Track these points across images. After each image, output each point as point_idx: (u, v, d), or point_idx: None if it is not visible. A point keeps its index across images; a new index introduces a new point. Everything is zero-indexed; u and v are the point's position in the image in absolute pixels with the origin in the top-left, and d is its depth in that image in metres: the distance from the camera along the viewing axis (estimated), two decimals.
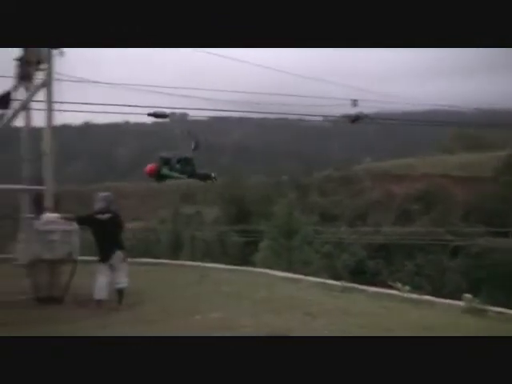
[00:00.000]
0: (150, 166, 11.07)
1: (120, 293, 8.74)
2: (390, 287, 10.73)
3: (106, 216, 8.91)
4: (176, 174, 10.85)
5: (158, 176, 10.96)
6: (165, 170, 10.97)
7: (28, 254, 8.87)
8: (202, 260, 25.01)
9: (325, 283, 11.66)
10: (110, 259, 8.73)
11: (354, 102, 15.13)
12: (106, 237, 8.85)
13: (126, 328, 7.19)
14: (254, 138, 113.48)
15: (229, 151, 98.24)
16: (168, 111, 11.33)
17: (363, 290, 10.85)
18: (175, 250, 40.46)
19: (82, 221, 9.18)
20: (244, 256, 40.05)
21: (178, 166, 11.01)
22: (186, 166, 11.12)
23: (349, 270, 37.49)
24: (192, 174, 11.32)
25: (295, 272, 14.92)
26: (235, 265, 15.51)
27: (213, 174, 12.02)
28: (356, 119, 13.98)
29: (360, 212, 51.28)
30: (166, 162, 11.09)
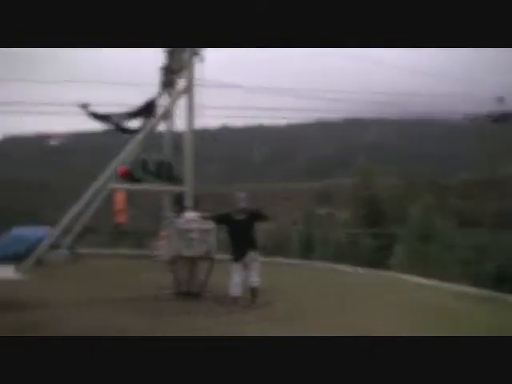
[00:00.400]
0: (121, 168, 11.05)
1: (253, 291, 8.94)
2: None
3: (242, 216, 9.16)
4: (149, 177, 10.82)
5: (131, 178, 10.93)
6: (138, 173, 10.98)
7: (169, 251, 9.40)
8: (333, 262, 24.89)
9: (465, 291, 11.04)
10: (243, 258, 8.94)
11: (500, 99, 14.13)
12: (241, 236, 9.04)
13: (260, 325, 7.37)
14: (389, 139, 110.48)
15: (363, 152, 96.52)
16: None
17: (508, 300, 10.11)
18: (307, 250, 40.64)
19: (219, 220, 9.51)
20: (377, 259, 39.14)
21: (153, 169, 11.00)
22: (163, 170, 11.06)
23: (492, 277, 35.08)
24: (168, 178, 11.18)
25: (432, 278, 14.29)
26: (368, 268, 15.23)
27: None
28: (499, 119, 12.91)
29: (505, 217, 47.76)
30: (144, 164, 11.08)
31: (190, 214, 9.45)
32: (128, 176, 10.86)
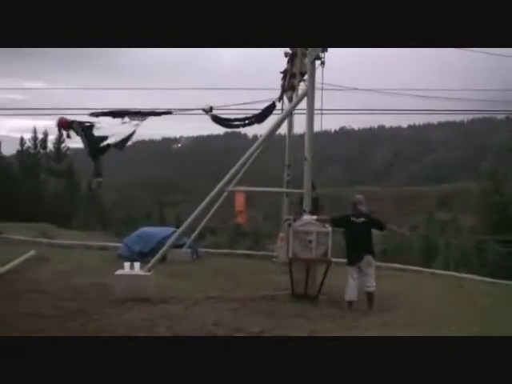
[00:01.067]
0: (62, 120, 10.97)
1: (369, 296, 8.79)
2: None
3: (360, 219, 9.06)
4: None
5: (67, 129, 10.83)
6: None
7: (287, 252, 9.50)
8: (456, 269, 23.69)
9: None
10: (359, 262, 8.82)
11: None
12: (358, 240, 8.95)
13: (377, 331, 7.22)
14: None
15: (492, 154, 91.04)
16: None
17: None
18: (428, 257, 39.04)
19: (338, 222, 9.47)
20: (506, 269, 36.64)
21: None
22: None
23: None
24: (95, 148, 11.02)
25: None
26: (496, 277, 14.31)
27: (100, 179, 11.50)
28: None
29: None
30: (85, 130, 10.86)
31: (308, 217, 9.48)
32: (66, 127, 11.01)
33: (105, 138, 11.10)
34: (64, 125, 11.02)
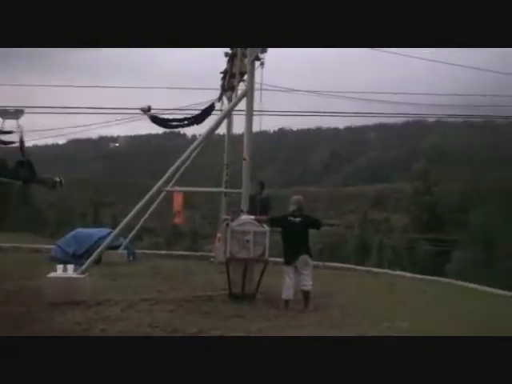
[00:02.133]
0: None
1: (305, 295, 8.92)
2: None
3: (297, 219, 9.17)
4: (5, 179, 10.46)
5: None
6: None
7: (224, 252, 9.50)
8: (389, 267, 24.48)
9: None
10: (295, 261, 8.92)
11: None
12: (294, 239, 9.05)
13: (312, 329, 7.35)
14: (452, 141, 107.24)
15: (424, 155, 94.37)
16: None
17: None
18: (362, 255, 40.13)
19: (275, 222, 9.55)
20: (434, 266, 38.18)
21: (11, 169, 10.53)
22: (22, 170, 10.61)
23: None
24: (30, 179, 10.83)
25: (493, 286, 13.80)
26: (425, 274, 14.88)
27: (58, 179, 11.26)
28: None
29: None
30: (1, 164, 10.56)
31: (245, 217, 9.52)
32: None
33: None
34: None
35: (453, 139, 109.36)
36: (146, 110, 11.62)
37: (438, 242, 40.79)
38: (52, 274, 8.98)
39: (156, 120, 11.74)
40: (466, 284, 12.91)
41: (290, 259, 9.00)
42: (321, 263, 14.76)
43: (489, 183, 54.81)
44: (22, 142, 10.54)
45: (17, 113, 10.24)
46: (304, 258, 8.98)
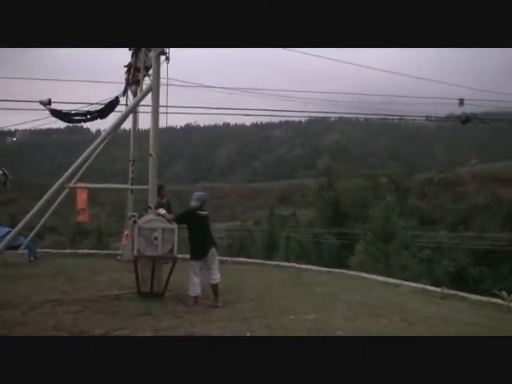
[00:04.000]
0: None
1: (214, 289, 8.92)
2: (494, 296, 10.18)
3: (204, 213, 9.16)
4: None
5: None
6: None
7: (132, 250, 9.32)
8: (296, 261, 25.11)
9: (424, 289, 11.30)
10: (205, 256, 8.91)
11: (461, 102, 14.59)
12: (203, 234, 9.05)
13: (223, 324, 7.41)
14: (353, 139, 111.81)
15: (327, 152, 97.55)
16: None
17: (465, 298, 10.39)
18: (270, 250, 40.86)
19: (182, 218, 9.43)
20: (339, 258, 39.68)
21: None
22: None
23: (449, 276, 36.04)
24: None
25: (392, 276, 14.56)
26: (330, 267, 15.42)
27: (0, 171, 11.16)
28: (467, 120, 13.29)
29: (462, 216, 49.05)
30: None
31: (152, 214, 9.39)
32: None
33: None
34: None
35: (354, 137, 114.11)
36: (46, 103, 11.08)
37: (342, 235, 42.39)
38: None
39: (56, 113, 11.22)
40: (368, 276, 13.50)
41: (199, 254, 8.94)
42: (229, 259, 14.88)
43: (386, 179, 57.76)
44: None
45: None
46: (212, 251, 9.00)
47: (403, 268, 32.72)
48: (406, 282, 12.30)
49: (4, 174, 10.62)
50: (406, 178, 63.10)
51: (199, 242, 9.01)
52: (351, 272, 14.81)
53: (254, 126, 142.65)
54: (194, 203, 9.21)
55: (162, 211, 9.43)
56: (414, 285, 12.06)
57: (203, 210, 9.21)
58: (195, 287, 8.85)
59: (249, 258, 17.39)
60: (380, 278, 12.90)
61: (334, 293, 10.21)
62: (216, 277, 8.93)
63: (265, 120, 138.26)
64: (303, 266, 14.95)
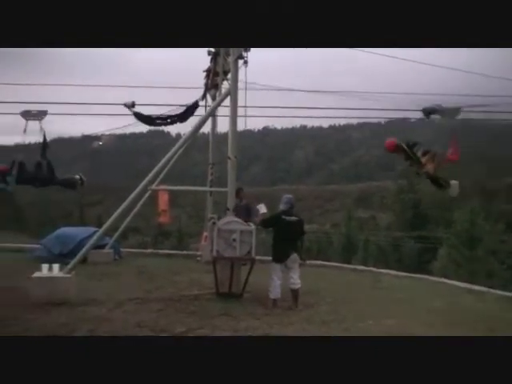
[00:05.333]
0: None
1: (294, 293, 8.93)
2: None
3: (291, 218, 9.10)
4: (12, 183, 10.14)
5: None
6: (8, 177, 10.30)
7: (211, 251, 9.48)
8: (374, 265, 24.62)
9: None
10: (286, 260, 8.89)
11: None
12: (287, 238, 8.98)
13: (300, 326, 7.38)
14: (435, 140, 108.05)
15: None
16: None
17: None
18: (348, 253, 40.33)
19: (268, 223, 9.43)
20: (420, 263, 38.49)
21: (29, 172, 10.34)
22: (41, 172, 10.43)
23: None
24: (49, 181, 10.63)
25: (476, 283, 13.94)
26: (410, 272, 14.99)
27: (77, 176, 11.04)
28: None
29: None
30: (21, 166, 10.37)
31: (232, 216, 9.51)
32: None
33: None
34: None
35: (435, 137, 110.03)
36: (130, 106, 11.50)
37: (423, 239, 41.11)
38: (37, 274, 8.88)
39: (139, 116, 11.64)
40: (450, 282, 13.02)
41: (281, 258, 8.95)
42: (307, 261, 14.79)
43: (473, 181, 55.42)
44: (44, 143, 10.35)
45: (40, 114, 10.04)
46: (294, 256, 8.97)
47: (489, 275, 31.24)
48: (492, 290, 11.74)
49: (81, 178, 11.13)
50: (492, 181, 60.30)
51: (282, 245, 8.98)
52: (431, 277, 14.34)
53: (332, 127, 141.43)
54: (282, 206, 9.22)
55: (262, 209, 9.47)
56: (500, 292, 11.50)
57: (292, 214, 9.16)
58: (275, 290, 8.85)
59: (326, 260, 17.22)
60: (463, 285, 12.41)
61: (414, 298, 9.92)
62: (296, 281, 8.90)
63: (343, 121, 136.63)
64: (381, 270, 14.64)
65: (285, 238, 8.97)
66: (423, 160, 9.92)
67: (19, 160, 10.28)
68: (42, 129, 10.02)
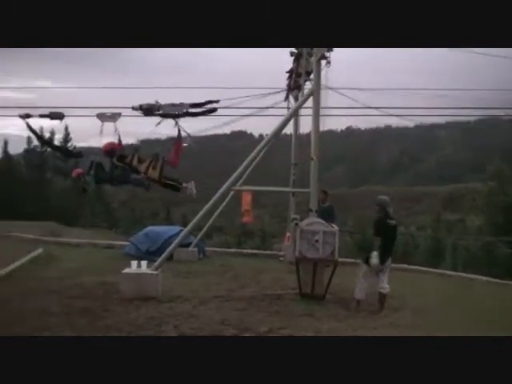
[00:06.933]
0: (76, 171, 10.63)
1: (382, 297, 8.72)
2: None
3: (394, 223, 8.89)
4: (92, 183, 10.39)
5: (82, 183, 10.57)
6: (87, 177, 10.45)
7: (294, 252, 9.48)
8: (463, 270, 23.61)
9: None
10: (382, 264, 8.66)
11: None
12: (386, 243, 8.72)
13: (385, 331, 7.20)
14: None
15: (498, 154, 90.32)
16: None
17: None
18: (435, 257, 38.91)
19: (377, 231, 8.93)
20: None
21: (106, 172, 10.39)
22: (118, 172, 10.47)
23: None
24: (125, 181, 10.67)
25: None
26: (503, 278, 14.24)
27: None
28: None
29: None
30: (98, 166, 10.47)
31: (314, 216, 9.45)
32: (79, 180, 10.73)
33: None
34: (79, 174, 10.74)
35: None
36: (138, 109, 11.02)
37: None
38: (126, 270, 9.26)
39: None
40: None
41: (384, 261, 8.70)
42: (392, 265, 14.42)
43: None
44: (120, 144, 10.64)
45: (114, 116, 10.33)
46: (389, 262, 8.80)
47: None
48: None
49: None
50: None
51: (387, 250, 8.72)
52: None
53: (418, 127, 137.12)
54: (388, 209, 8.92)
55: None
56: None
57: (391, 218, 8.93)
58: (362, 291, 8.73)
59: (411, 264, 16.72)
60: None
61: (505, 306, 9.41)
62: (385, 286, 8.72)
63: (429, 120, 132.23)
64: (471, 276, 14.03)
65: (384, 242, 8.71)
66: (141, 168, 9.98)
67: (97, 161, 10.67)
68: (116, 130, 10.34)
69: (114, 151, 10.43)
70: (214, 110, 10.68)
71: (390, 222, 8.81)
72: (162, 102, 10.37)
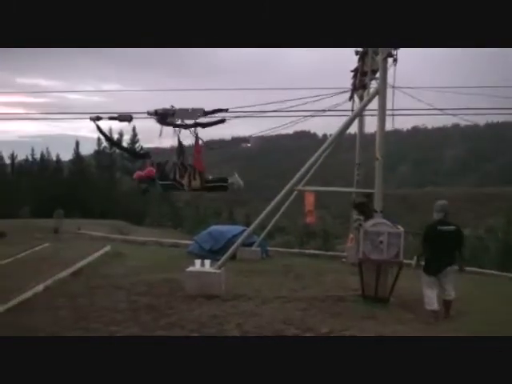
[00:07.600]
0: (148, 170, 10.45)
1: (447, 304, 8.37)
2: None
3: (451, 228, 8.35)
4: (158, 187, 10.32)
5: (148, 185, 10.48)
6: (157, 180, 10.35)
7: (357, 253, 9.37)
8: None
9: None
10: (438, 273, 8.26)
11: None
12: (440, 249, 8.23)
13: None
14: None
15: None
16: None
17: None
18: (506, 261, 37.38)
19: (425, 240, 8.44)
20: None
21: (167, 172, 10.28)
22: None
23: None
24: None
25: None
26: None
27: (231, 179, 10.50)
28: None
29: None
30: (159, 167, 10.40)
31: (379, 217, 9.29)
32: (146, 181, 10.62)
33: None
34: (149, 177, 10.71)
35: None
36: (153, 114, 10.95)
37: None
38: (190, 268, 9.46)
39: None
40: None
41: (432, 269, 8.26)
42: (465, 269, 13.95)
43: None
44: (180, 146, 10.59)
45: (194, 112, 10.28)
46: (451, 269, 8.29)
47: None
48: None
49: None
50: None
51: (434, 257, 8.25)
52: None
53: (488, 126, 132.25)
54: (436, 215, 8.46)
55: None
56: None
57: (448, 223, 8.39)
58: (430, 301, 8.21)
59: (480, 267, 16.13)
60: None
61: None
62: (450, 293, 8.31)
63: (501, 119, 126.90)
64: None
65: (438, 250, 8.20)
66: (184, 182, 9.95)
67: (159, 162, 10.76)
68: (175, 132, 10.47)
69: (152, 176, 10.56)
70: (223, 121, 10.40)
71: (442, 228, 8.29)
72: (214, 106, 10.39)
